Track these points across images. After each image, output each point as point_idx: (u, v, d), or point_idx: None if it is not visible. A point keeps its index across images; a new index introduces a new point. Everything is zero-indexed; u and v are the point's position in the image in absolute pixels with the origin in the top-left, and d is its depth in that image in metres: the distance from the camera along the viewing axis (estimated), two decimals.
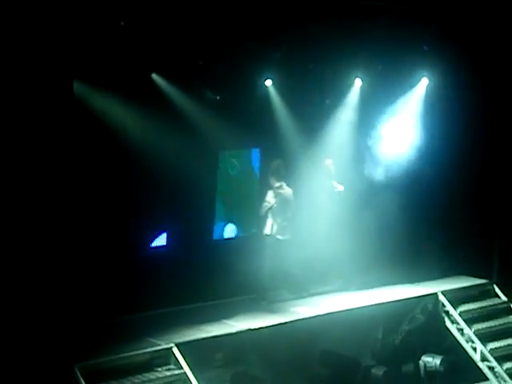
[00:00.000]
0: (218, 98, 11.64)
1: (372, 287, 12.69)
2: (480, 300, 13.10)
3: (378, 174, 12.92)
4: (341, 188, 12.57)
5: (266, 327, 11.03)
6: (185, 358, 10.12)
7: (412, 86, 13.35)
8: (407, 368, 12.33)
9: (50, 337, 9.79)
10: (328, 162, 12.58)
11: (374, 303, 12.14)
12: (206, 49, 11.19)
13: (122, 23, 10.39)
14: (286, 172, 12.10)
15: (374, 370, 11.81)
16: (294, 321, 11.32)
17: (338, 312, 11.74)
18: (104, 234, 10.82)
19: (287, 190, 12.07)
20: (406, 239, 13.00)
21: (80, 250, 10.57)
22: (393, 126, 13.21)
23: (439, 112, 13.27)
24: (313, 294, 12.35)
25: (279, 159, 12.08)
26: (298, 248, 11.99)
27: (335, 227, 12.19)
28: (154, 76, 11.09)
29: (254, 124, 12.02)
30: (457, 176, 13.66)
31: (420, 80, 13.35)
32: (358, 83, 12.98)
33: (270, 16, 11.55)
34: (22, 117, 9.90)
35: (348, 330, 11.66)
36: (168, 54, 10.97)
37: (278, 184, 12.01)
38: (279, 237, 11.95)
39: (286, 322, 11.23)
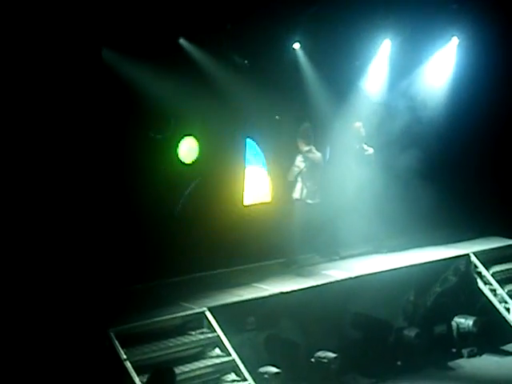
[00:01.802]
0: (246, 62, 11.58)
1: (403, 249, 12.68)
2: None
3: (404, 135, 12.83)
4: (371, 151, 12.51)
5: (298, 290, 11.08)
6: (218, 322, 10.20)
7: (442, 45, 13.20)
8: (439, 329, 12.33)
9: (85, 303, 9.93)
10: (357, 124, 12.51)
11: (405, 265, 12.13)
12: (233, 12, 11.11)
13: None
14: (315, 136, 12.05)
15: (406, 332, 11.82)
16: (326, 284, 11.35)
17: (369, 274, 11.75)
18: (138, 195, 10.89)
19: (316, 154, 12.03)
20: (438, 200, 12.92)
21: (112, 216, 10.68)
22: (423, 86, 13.08)
23: (469, 72, 13.11)
24: (344, 257, 12.38)
25: (307, 123, 12.03)
26: (328, 212, 11.98)
27: (365, 190, 12.16)
28: (182, 41, 11.05)
29: (283, 88, 11.95)
30: (488, 137, 13.54)
31: (450, 39, 13.18)
32: (387, 44, 12.84)
33: None
34: (52, 84, 9.98)
35: (380, 292, 11.66)
36: (195, 19, 10.92)
37: (307, 148, 11.97)
38: (309, 201, 11.95)
39: (317, 285, 11.27)
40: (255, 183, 12.43)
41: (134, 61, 10.51)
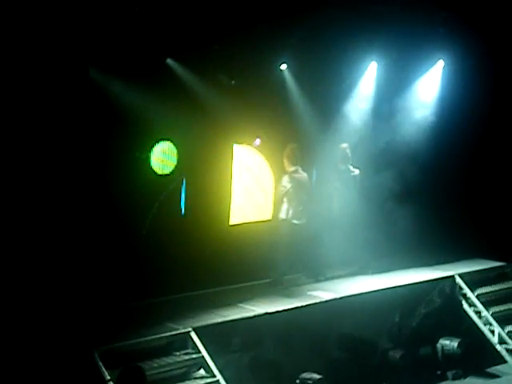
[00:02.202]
0: (233, 82, 11.62)
1: (389, 271, 12.69)
2: (497, 283, 13.08)
3: (390, 155, 12.89)
4: (356, 172, 12.56)
5: (283, 311, 11.06)
6: (202, 342, 10.17)
7: (428, 68, 13.29)
8: (425, 351, 12.33)
9: (70, 323, 9.87)
10: (344, 145, 12.56)
11: (390, 286, 12.15)
12: (220, 33, 11.15)
13: (136, 8, 10.38)
14: (302, 156, 12.08)
15: (391, 353, 11.82)
16: (311, 304, 11.35)
17: (354, 295, 11.75)
18: (124, 216, 10.87)
19: (303, 175, 12.06)
20: (423, 222, 12.97)
21: (98, 234, 10.64)
22: (409, 108, 13.16)
23: (453, 95, 13.21)
24: (329, 278, 12.38)
25: (294, 143, 12.07)
26: (314, 232, 12.00)
27: (351, 211, 12.19)
28: (169, 61, 11.08)
29: (270, 108, 11.99)
30: (472, 159, 13.62)
31: (436, 62, 13.28)
32: (373, 67, 12.92)
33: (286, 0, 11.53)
34: (38, 105, 9.98)
35: (365, 313, 11.66)
36: (183, 39, 10.95)
37: (293, 168, 12.00)
38: (295, 221, 11.96)
39: (303, 306, 11.26)
40: (245, 198, 12.37)
41: (121, 80, 10.52)
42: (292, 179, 12.01)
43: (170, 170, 11.43)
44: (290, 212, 11.97)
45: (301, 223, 11.98)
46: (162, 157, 11.35)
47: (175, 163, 11.42)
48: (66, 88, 10.16)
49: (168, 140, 11.32)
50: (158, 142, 11.24)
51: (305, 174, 12.09)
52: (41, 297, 9.95)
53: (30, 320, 9.59)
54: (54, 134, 10.19)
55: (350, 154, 12.52)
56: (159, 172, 11.30)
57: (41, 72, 9.96)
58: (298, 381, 10.88)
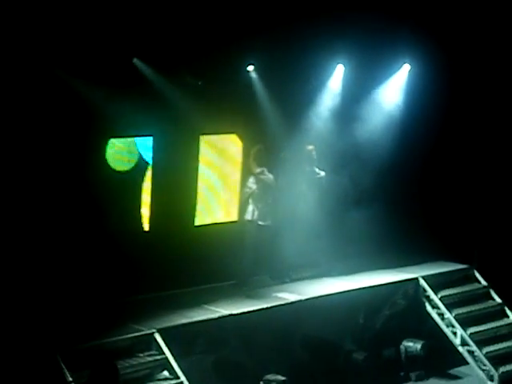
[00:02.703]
0: (200, 83, 11.60)
1: (353, 273, 12.74)
2: (460, 285, 13.20)
3: (354, 158, 12.95)
4: (322, 174, 12.59)
5: (248, 312, 11.07)
6: (166, 344, 10.13)
7: (394, 71, 13.37)
8: (388, 353, 12.41)
9: (32, 324, 9.78)
10: (310, 147, 12.58)
11: (355, 288, 12.21)
12: (187, 34, 11.13)
13: (104, 8, 10.32)
14: (267, 158, 12.09)
15: (354, 355, 11.88)
16: (276, 306, 11.37)
17: (319, 297, 11.79)
18: (87, 219, 10.80)
19: (268, 176, 12.07)
20: (387, 225, 13.05)
21: (60, 236, 10.55)
22: (374, 111, 13.24)
23: (420, 98, 13.30)
24: (294, 280, 12.39)
25: (260, 145, 12.07)
26: (279, 234, 12.01)
27: (316, 213, 12.22)
28: (136, 61, 11.03)
29: (236, 109, 11.99)
30: (435, 160, 13.73)
31: (402, 66, 13.37)
32: (340, 69, 12.96)
33: (252, 2, 11.52)
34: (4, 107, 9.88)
35: (329, 315, 11.71)
36: (149, 39, 10.91)
37: (259, 170, 12.01)
38: (260, 222, 11.96)
39: (267, 308, 11.27)
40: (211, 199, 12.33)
41: (87, 80, 10.44)
42: (258, 180, 12.01)
43: (130, 166, 11.33)
44: (256, 213, 11.96)
45: (266, 224, 11.98)
46: (121, 154, 11.28)
47: (135, 160, 11.32)
48: (30, 89, 10.07)
49: (132, 137, 11.26)
50: (120, 138, 11.18)
51: (271, 176, 12.10)
52: (3, 299, 9.84)
53: None
54: (19, 135, 10.10)
55: (315, 156, 12.56)
56: (117, 168, 11.20)
57: (5, 74, 9.86)
58: (261, 382, 10.89)
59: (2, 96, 9.92)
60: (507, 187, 13.73)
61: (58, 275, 10.45)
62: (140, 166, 11.51)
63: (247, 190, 12.04)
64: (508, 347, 12.55)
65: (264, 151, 12.06)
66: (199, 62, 11.45)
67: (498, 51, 13.25)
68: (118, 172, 11.28)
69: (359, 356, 11.85)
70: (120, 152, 11.31)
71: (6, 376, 9.12)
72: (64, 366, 9.31)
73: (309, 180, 12.47)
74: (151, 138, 11.56)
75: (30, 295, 10.10)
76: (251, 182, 12.04)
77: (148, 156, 11.56)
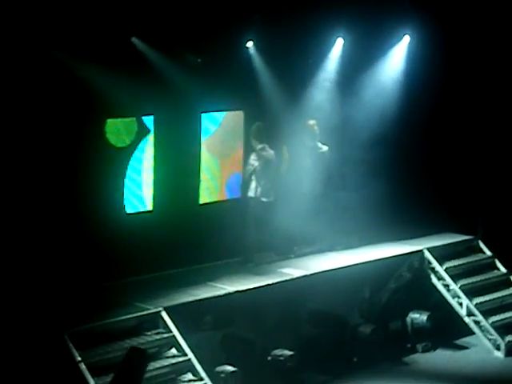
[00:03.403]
0: (199, 60, 11.55)
1: (357, 246, 12.75)
2: (465, 256, 13.22)
3: (359, 133, 12.92)
4: (325, 148, 12.56)
5: (254, 289, 11.08)
6: (173, 322, 10.16)
7: (394, 44, 13.30)
8: (395, 325, 12.44)
9: (39, 305, 9.81)
10: (311, 122, 12.54)
11: (360, 262, 12.21)
12: (186, 11, 11.06)
13: None
14: (268, 134, 12.05)
15: (361, 328, 11.90)
16: (282, 282, 11.38)
17: (324, 272, 11.80)
18: (91, 198, 10.78)
19: (269, 152, 12.04)
20: (391, 197, 13.04)
21: (65, 217, 10.56)
22: (374, 84, 13.19)
23: (420, 70, 13.24)
24: (299, 255, 12.40)
25: (259, 121, 12.03)
26: (283, 209, 12.00)
27: (319, 188, 12.20)
28: (134, 40, 10.97)
29: (236, 86, 11.95)
30: (438, 133, 13.71)
31: (402, 38, 13.29)
32: (340, 42, 12.90)
33: None
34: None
35: (335, 289, 11.73)
36: (147, 18, 10.85)
37: (260, 146, 11.98)
38: (263, 199, 11.95)
39: (273, 283, 11.28)
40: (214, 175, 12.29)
41: (85, 60, 10.40)
42: (260, 157, 11.98)
43: (128, 142, 11.30)
44: (259, 190, 11.94)
45: (269, 201, 11.97)
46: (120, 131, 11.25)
47: (132, 138, 11.30)
48: (28, 70, 10.02)
49: (132, 116, 11.23)
50: (122, 117, 11.16)
51: (272, 152, 12.06)
52: (10, 281, 9.87)
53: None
54: (19, 118, 10.07)
55: (317, 131, 12.52)
56: (117, 145, 11.17)
57: (3, 55, 9.81)
58: (269, 358, 10.93)
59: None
60: (510, 158, 13.69)
61: (65, 256, 10.46)
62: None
63: (249, 167, 12.02)
64: None
65: (263, 127, 12.01)
66: (198, 39, 11.39)
67: (496, 22, 13.17)
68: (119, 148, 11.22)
69: (366, 329, 11.88)
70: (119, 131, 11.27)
71: (15, 357, 9.16)
72: (72, 346, 9.33)
73: (312, 155, 12.44)
74: (151, 117, 11.53)
75: (36, 276, 10.12)
76: (253, 159, 12.01)
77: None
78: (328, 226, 12.31)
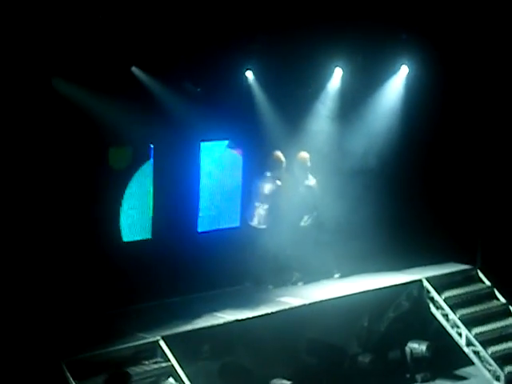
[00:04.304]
0: (198, 89, 11.63)
1: (356, 275, 12.72)
2: (464, 285, 13.17)
3: (358, 162, 12.95)
4: (312, 182, 12.42)
5: (253, 318, 11.05)
6: (172, 351, 10.12)
7: (392, 74, 13.39)
8: (394, 355, 12.39)
9: (37, 333, 9.78)
10: (303, 155, 12.43)
11: (359, 291, 12.19)
12: (185, 41, 11.16)
13: (100, 17, 10.35)
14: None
15: (360, 358, 11.86)
16: (281, 311, 11.35)
17: (323, 301, 11.77)
18: (90, 227, 10.80)
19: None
20: (390, 226, 13.06)
21: (65, 244, 10.56)
22: (373, 114, 13.26)
23: (418, 100, 13.32)
24: (298, 284, 12.37)
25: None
26: (281, 238, 12.00)
27: (315, 217, 12.20)
28: (134, 69, 11.06)
29: (236, 115, 12.02)
30: (437, 162, 13.74)
31: (400, 68, 13.39)
32: (338, 72, 12.99)
33: (249, 7, 11.55)
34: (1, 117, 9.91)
35: (334, 318, 11.69)
36: (147, 47, 10.94)
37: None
38: (262, 226, 11.96)
39: (272, 313, 11.25)
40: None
41: (85, 88, 10.47)
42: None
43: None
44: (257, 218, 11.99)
45: (266, 228, 11.98)
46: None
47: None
48: (28, 97, 10.09)
49: (131, 145, 11.31)
50: (120, 146, 11.23)
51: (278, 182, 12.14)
52: (7, 306, 9.84)
53: None
54: (17, 143, 10.11)
55: (308, 164, 12.40)
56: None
57: (3, 80, 9.88)
58: None
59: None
60: (510, 187, 13.72)
61: (63, 283, 10.46)
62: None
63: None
64: None
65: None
66: (197, 68, 11.48)
67: (494, 53, 13.27)
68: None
69: (365, 359, 11.83)
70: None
71: None
72: (69, 375, 9.29)
73: (301, 187, 12.37)
74: (151, 146, 11.59)
75: (34, 304, 10.09)
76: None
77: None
78: (327, 254, 12.30)
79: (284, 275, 12.30)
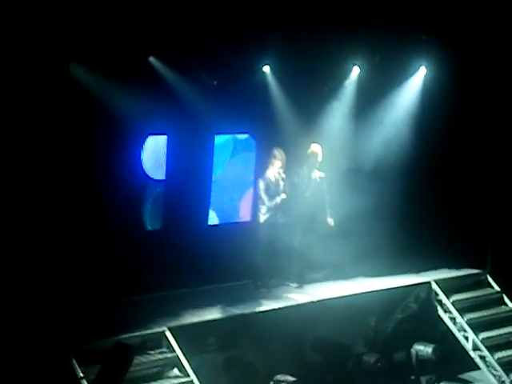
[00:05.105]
0: (215, 82, 11.61)
1: (365, 276, 12.69)
2: (473, 290, 13.15)
3: (372, 161, 12.91)
4: (320, 175, 12.15)
5: (259, 312, 11.05)
6: (177, 342, 10.14)
7: (410, 75, 13.34)
8: (399, 356, 12.37)
9: (44, 322, 9.81)
10: (315, 147, 12.28)
11: (367, 291, 12.17)
12: (204, 33, 11.15)
13: (119, 5, 10.35)
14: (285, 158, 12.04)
15: (365, 358, 11.85)
16: (287, 307, 11.34)
17: (331, 299, 11.76)
18: (101, 217, 10.81)
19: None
20: (401, 228, 13.02)
21: (71, 234, 10.57)
22: (390, 113, 13.21)
23: (436, 101, 13.26)
24: (307, 281, 12.33)
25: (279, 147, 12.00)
26: (292, 235, 11.96)
27: (325, 215, 12.12)
28: (152, 59, 11.06)
29: (252, 109, 12.00)
30: (451, 165, 13.68)
31: (418, 69, 13.33)
32: (355, 71, 12.94)
33: (269, 2, 11.52)
34: (19, 101, 9.92)
35: (341, 317, 11.68)
36: (166, 37, 10.93)
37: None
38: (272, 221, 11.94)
39: (279, 308, 11.25)
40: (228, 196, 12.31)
41: (103, 76, 10.48)
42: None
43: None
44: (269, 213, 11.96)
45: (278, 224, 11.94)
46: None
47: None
48: (46, 83, 10.11)
49: (145, 135, 11.31)
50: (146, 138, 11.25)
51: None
52: (15, 295, 9.88)
53: (4, 319, 9.52)
54: (35, 130, 10.13)
55: (319, 158, 12.26)
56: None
57: (22, 67, 9.90)
58: (271, 382, 10.88)
59: (13, 93, 9.96)
60: None
61: (71, 273, 10.48)
62: None
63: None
64: None
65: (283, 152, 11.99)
66: (215, 61, 11.46)
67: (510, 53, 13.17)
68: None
69: (370, 359, 11.82)
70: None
71: (19, 372, 9.15)
72: (75, 362, 9.32)
73: (309, 181, 12.26)
74: (165, 137, 11.59)
75: (42, 293, 10.12)
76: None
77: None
78: (337, 254, 12.26)
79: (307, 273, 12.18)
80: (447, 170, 13.70)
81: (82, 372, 9.31)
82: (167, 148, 11.66)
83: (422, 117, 13.40)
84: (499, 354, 12.28)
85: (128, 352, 8.39)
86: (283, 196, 11.84)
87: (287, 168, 12.07)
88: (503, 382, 12.09)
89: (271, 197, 11.80)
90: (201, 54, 11.28)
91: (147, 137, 11.39)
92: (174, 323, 10.37)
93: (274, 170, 11.87)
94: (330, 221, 12.04)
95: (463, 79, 13.22)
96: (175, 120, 11.40)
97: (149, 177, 11.53)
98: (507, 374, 12.09)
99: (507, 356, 12.34)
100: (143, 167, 11.46)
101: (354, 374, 11.77)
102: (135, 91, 10.66)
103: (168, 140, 11.64)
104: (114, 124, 10.80)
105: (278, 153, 11.91)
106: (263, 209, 11.84)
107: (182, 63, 11.25)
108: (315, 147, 12.18)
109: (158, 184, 11.64)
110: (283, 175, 11.91)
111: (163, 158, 11.58)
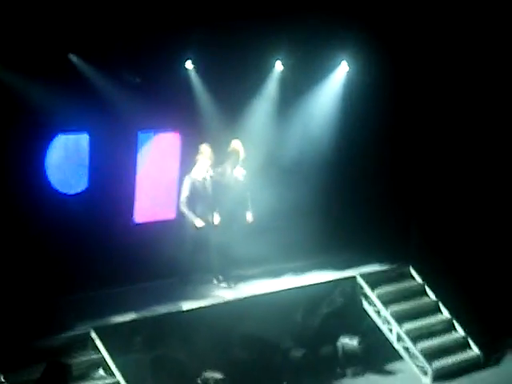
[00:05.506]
0: (137, 79, 11.50)
1: (291, 271, 12.76)
2: (397, 282, 13.34)
3: (294, 157, 12.97)
4: (241, 172, 12.16)
5: (187, 311, 11.01)
6: (103, 343, 10.02)
7: (332, 69, 13.45)
8: (326, 349, 12.46)
9: None
10: (236, 144, 12.17)
11: (293, 286, 12.24)
12: (124, 29, 11.02)
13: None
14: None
15: (293, 352, 11.91)
16: (215, 304, 11.33)
17: (257, 295, 11.81)
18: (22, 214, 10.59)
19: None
20: (324, 223, 13.13)
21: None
22: (312, 109, 13.30)
23: (357, 96, 13.40)
24: (233, 278, 12.34)
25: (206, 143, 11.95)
26: (219, 232, 11.96)
27: (245, 211, 12.13)
28: (72, 56, 10.88)
29: (175, 106, 11.93)
30: (371, 160, 13.82)
31: (340, 64, 13.44)
32: (278, 66, 12.98)
33: None
34: None
35: (268, 313, 11.72)
36: (86, 34, 10.77)
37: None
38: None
39: (206, 306, 11.23)
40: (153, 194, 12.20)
41: (22, 75, 10.26)
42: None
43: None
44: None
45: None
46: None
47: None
48: None
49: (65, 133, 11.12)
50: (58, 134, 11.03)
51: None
52: None
53: None
54: None
55: (241, 155, 12.17)
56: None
57: None
58: (199, 380, 10.85)
59: None
60: (443, 185, 13.90)
61: None
62: None
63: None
64: (441, 343, 12.75)
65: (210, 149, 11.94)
66: (137, 58, 11.34)
67: (437, 45, 13.34)
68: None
69: (297, 353, 11.89)
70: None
71: None
72: None
73: (230, 179, 12.26)
74: (86, 136, 11.42)
75: None
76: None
77: None
78: (263, 250, 12.30)
79: (231, 270, 12.19)
80: (369, 166, 13.84)
81: (5, 378, 9.14)
82: (89, 146, 11.48)
83: (344, 112, 13.51)
84: (422, 345, 12.51)
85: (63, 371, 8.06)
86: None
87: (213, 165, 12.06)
88: (426, 371, 12.33)
89: (200, 197, 11.73)
90: (122, 50, 11.15)
91: (57, 135, 11.14)
92: (100, 323, 10.24)
93: (202, 168, 11.82)
94: (249, 217, 12.04)
95: (388, 73, 13.33)
96: (97, 118, 11.23)
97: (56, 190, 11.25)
98: (429, 364, 12.34)
99: (429, 346, 12.59)
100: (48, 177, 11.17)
101: (281, 369, 11.82)
102: (55, 89, 10.47)
103: (90, 139, 11.47)
104: (33, 121, 10.58)
105: (205, 149, 11.85)
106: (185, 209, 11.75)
107: (103, 60, 11.09)
108: (236, 144, 12.13)
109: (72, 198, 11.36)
110: (211, 173, 11.86)
111: (85, 161, 11.38)
